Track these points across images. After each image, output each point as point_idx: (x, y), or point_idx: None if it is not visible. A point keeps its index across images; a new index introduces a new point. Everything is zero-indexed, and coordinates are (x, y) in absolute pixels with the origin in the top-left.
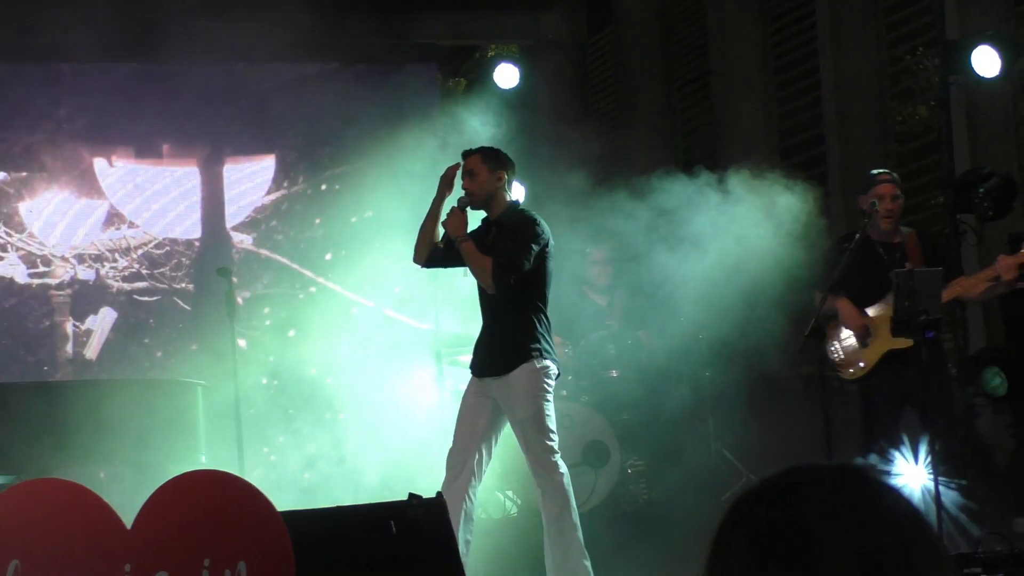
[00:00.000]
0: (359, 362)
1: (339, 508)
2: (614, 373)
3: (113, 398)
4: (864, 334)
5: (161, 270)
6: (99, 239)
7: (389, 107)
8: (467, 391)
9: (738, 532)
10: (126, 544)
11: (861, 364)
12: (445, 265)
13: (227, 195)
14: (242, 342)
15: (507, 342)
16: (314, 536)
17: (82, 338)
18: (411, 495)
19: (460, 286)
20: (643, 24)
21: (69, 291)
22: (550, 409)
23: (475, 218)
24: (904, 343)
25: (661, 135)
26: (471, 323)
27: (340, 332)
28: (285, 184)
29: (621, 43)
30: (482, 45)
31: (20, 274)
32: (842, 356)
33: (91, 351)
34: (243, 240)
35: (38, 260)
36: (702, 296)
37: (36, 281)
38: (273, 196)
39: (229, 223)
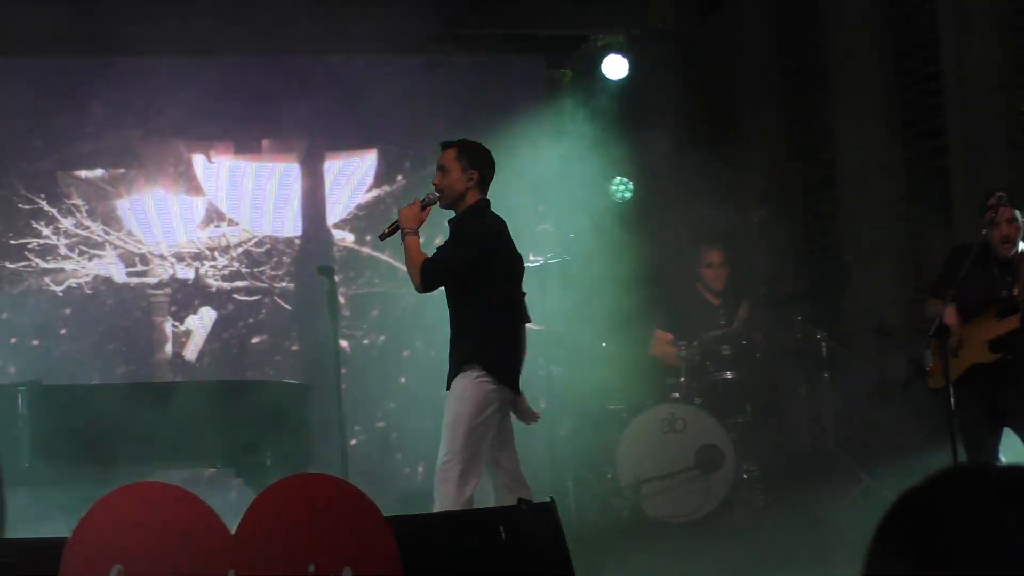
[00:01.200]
0: None
1: (447, 513)
2: (728, 375)
3: (214, 400)
4: (957, 345)
5: (261, 268)
6: (198, 237)
7: (494, 100)
8: None
9: (897, 534)
10: (230, 549)
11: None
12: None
13: (328, 191)
14: (344, 343)
15: (451, 355)
16: (421, 541)
17: (181, 338)
18: (520, 500)
19: (571, 289)
20: (755, 11)
21: (168, 290)
22: (474, 422)
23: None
24: (990, 357)
25: (773, 125)
26: (582, 324)
27: (444, 332)
28: (387, 180)
29: (733, 31)
30: (589, 35)
31: (118, 273)
32: (932, 364)
33: (191, 352)
34: (345, 238)
35: (136, 259)
36: (820, 296)
37: (134, 280)
38: (375, 192)
39: (330, 220)
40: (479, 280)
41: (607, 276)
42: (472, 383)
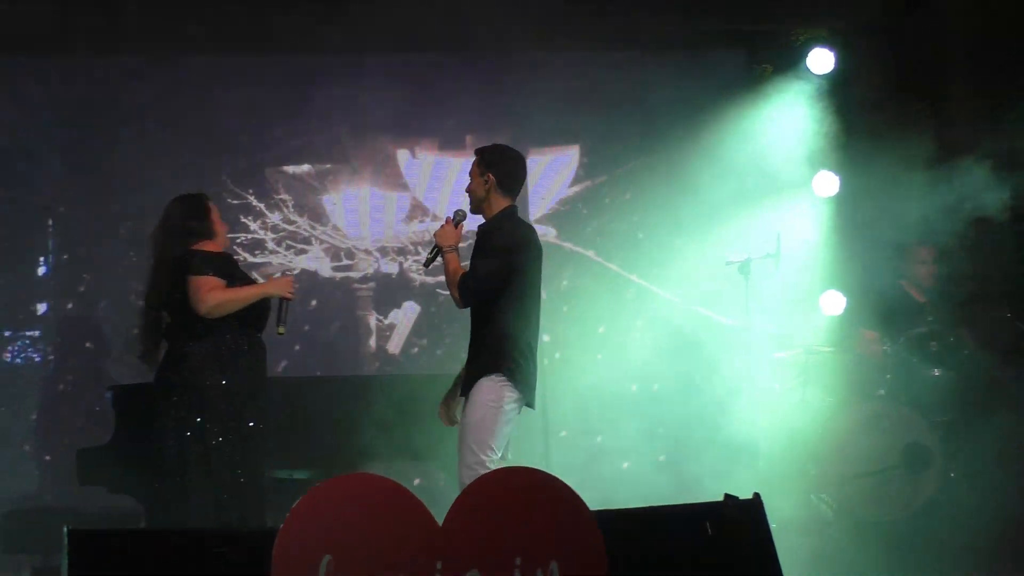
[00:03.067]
0: (665, 359)
1: (652, 508)
2: (936, 372)
3: (417, 393)
4: None
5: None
6: (402, 232)
7: (695, 95)
8: None
9: None
10: (438, 541)
11: None
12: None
13: (530, 187)
14: (546, 337)
15: (471, 361)
16: (626, 536)
17: (385, 332)
18: (727, 495)
19: (774, 285)
20: (963, 2)
21: (372, 284)
22: (495, 424)
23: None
24: None
25: (982, 119)
26: (785, 319)
27: (646, 328)
28: (588, 176)
29: (940, 23)
30: (791, 29)
31: (324, 268)
32: None
33: (394, 346)
34: (546, 232)
35: (342, 253)
36: None
37: (339, 275)
38: (577, 188)
39: (532, 215)
40: (508, 288)
41: (811, 272)
42: (495, 386)
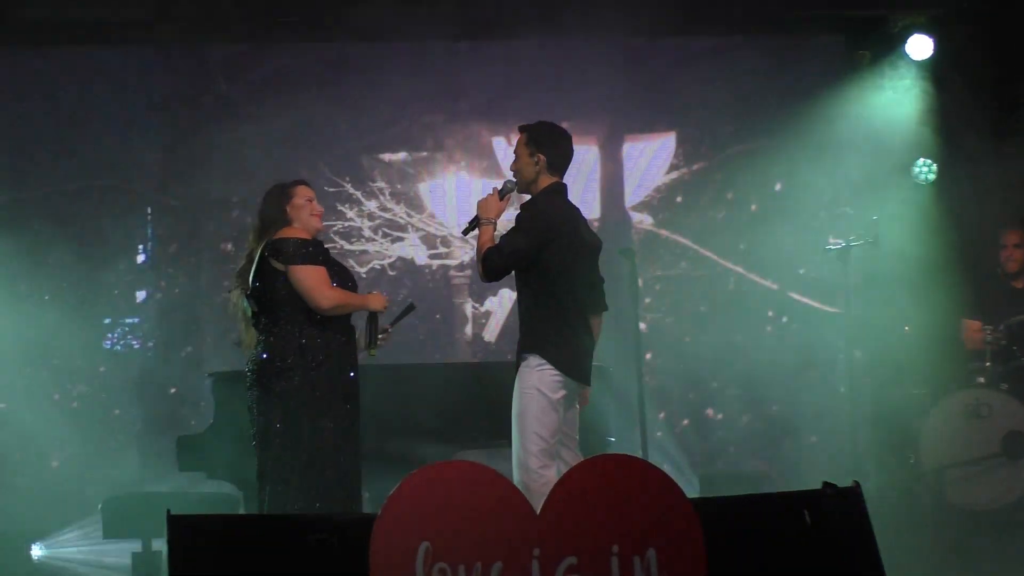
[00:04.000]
0: (762, 345)
1: (750, 496)
2: None
3: (513, 380)
4: None
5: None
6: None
7: (793, 82)
8: None
9: None
10: (535, 529)
11: None
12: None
13: (626, 174)
14: (642, 325)
15: (519, 343)
16: (725, 524)
17: (481, 320)
18: (825, 483)
19: (873, 272)
20: None
21: (468, 272)
22: (538, 411)
23: None
24: None
25: None
26: (884, 307)
27: (743, 315)
28: (685, 162)
29: None
30: (890, 15)
31: (420, 255)
32: None
33: (490, 333)
34: (643, 220)
35: (438, 241)
36: None
37: (436, 262)
38: (674, 175)
39: (628, 202)
40: (536, 268)
41: (910, 259)
42: (533, 372)
